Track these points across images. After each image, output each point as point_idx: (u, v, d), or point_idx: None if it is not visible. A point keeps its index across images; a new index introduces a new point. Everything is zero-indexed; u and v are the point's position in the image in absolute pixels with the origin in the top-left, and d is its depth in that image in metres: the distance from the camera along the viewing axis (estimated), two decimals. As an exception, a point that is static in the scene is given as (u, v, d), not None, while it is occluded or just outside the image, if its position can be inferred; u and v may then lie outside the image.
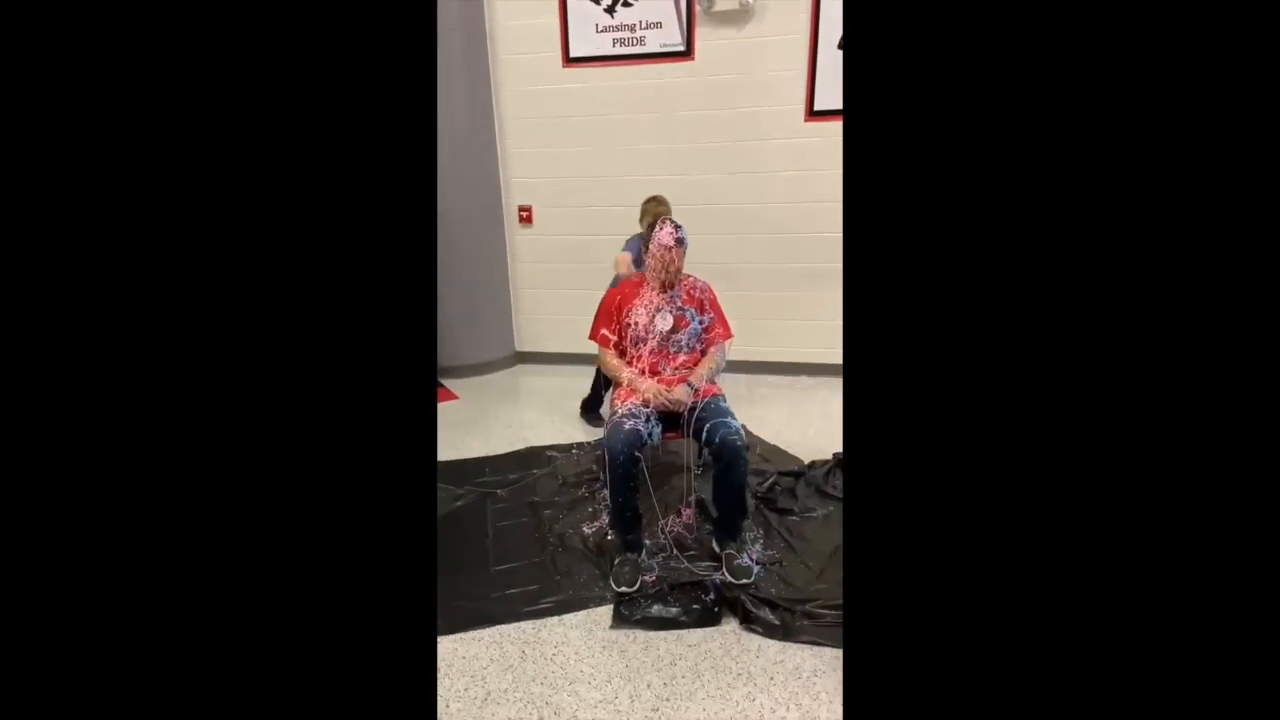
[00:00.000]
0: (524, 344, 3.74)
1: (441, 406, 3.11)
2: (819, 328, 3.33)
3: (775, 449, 2.60)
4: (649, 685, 1.45)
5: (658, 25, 3.15)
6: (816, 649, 1.54)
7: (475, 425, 2.89)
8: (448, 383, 3.40)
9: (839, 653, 1.53)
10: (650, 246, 1.93)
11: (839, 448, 2.51)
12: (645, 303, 1.97)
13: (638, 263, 2.56)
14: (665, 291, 1.97)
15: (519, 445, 2.67)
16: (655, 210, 2.64)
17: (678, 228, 1.90)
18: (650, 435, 1.82)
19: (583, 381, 3.00)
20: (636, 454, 1.74)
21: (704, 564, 1.86)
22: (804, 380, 3.35)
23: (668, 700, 1.40)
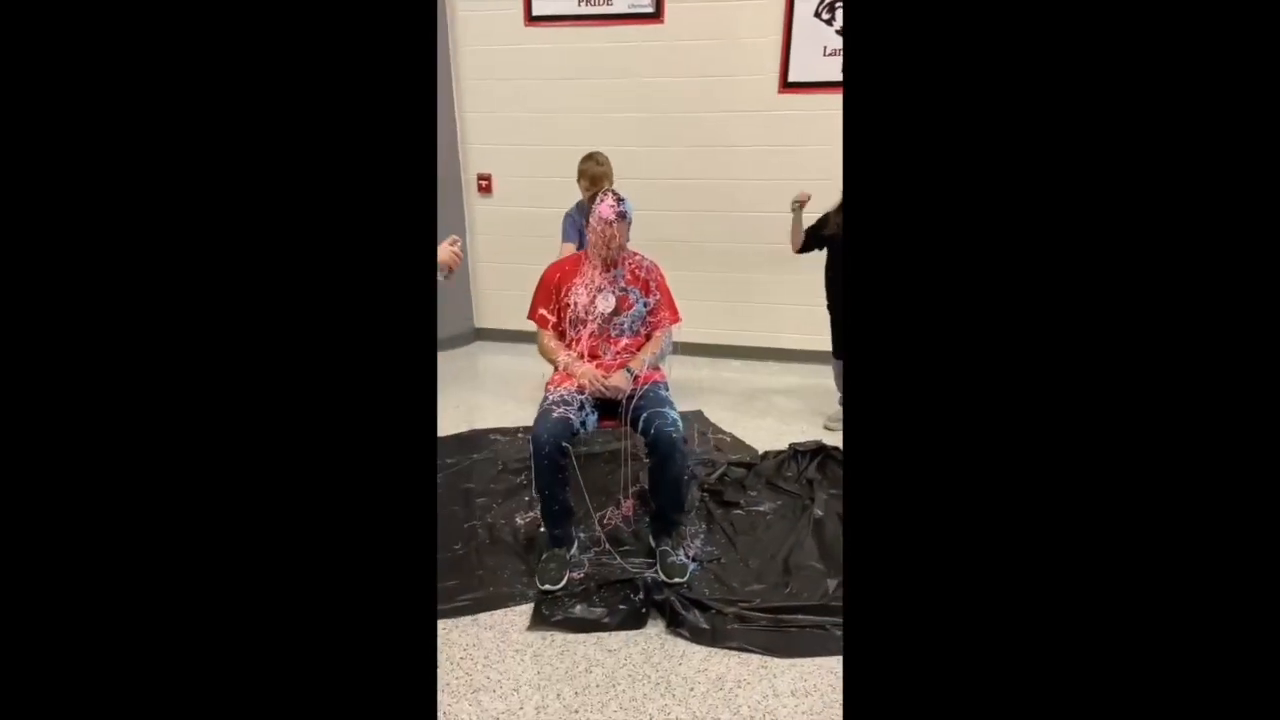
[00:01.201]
0: (483, 320, 3.60)
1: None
2: (787, 312, 3.21)
3: (730, 438, 2.49)
4: (559, 695, 1.35)
5: (626, -16, 2.96)
6: (743, 656, 1.45)
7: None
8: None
9: (765, 660, 1.43)
10: (590, 220, 1.79)
11: (797, 438, 2.41)
12: (586, 282, 1.84)
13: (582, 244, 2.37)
14: (608, 270, 1.84)
15: (464, 427, 2.55)
16: (593, 171, 2.36)
17: (620, 200, 1.76)
18: (583, 424, 1.70)
19: (538, 363, 2.87)
20: (564, 444, 1.63)
21: (639, 560, 1.75)
22: (770, 366, 3.24)
23: (576, 712, 1.31)
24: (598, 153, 2.45)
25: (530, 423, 2.53)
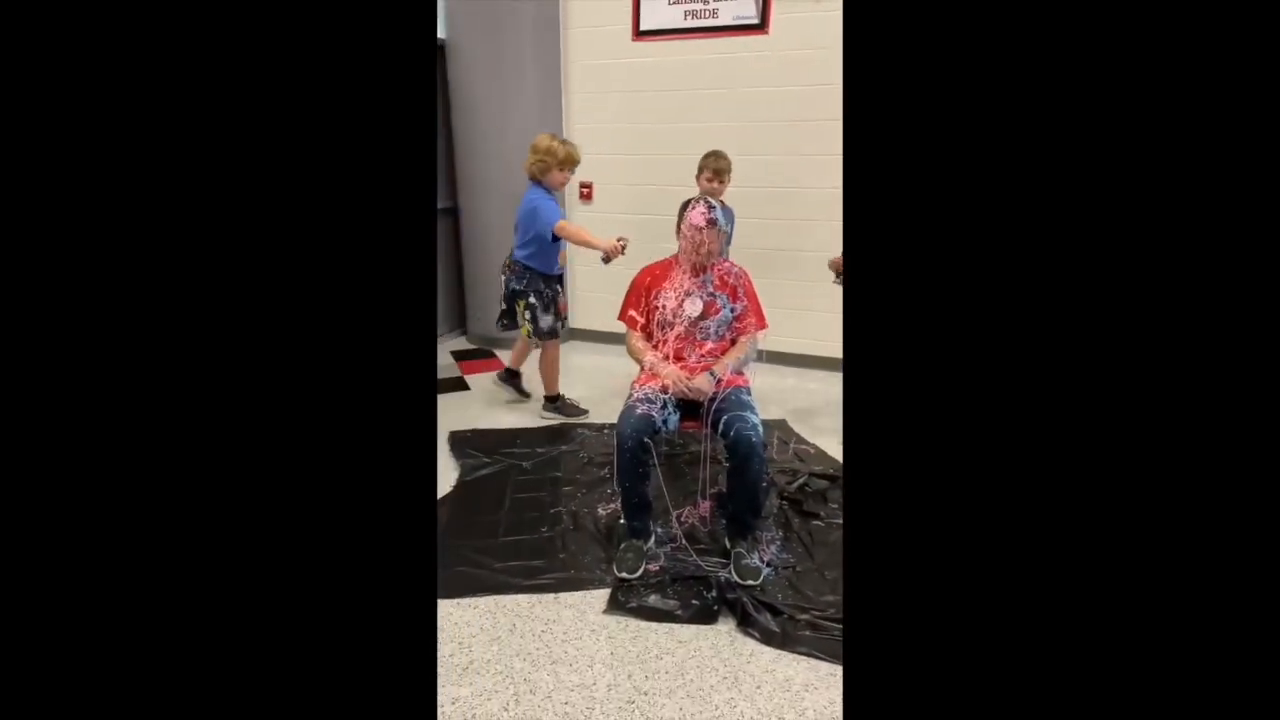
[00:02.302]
0: (576, 320, 3.75)
1: (487, 376, 3.18)
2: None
3: (814, 449, 2.47)
4: (629, 676, 1.42)
5: (731, -3, 3.01)
6: (812, 662, 1.46)
7: (513, 396, 2.93)
8: (498, 353, 3.48)
9: (835, 669, 1.44)
10: (682, 227, 1.85)
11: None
12: (675, 286, 1.91)
13: None
14: (697, 275, 1.90)
15: (554, 420, 2.69)
16: (714, 165, 2.54)
17: (711, 208, 1.82)
18: (665, 423, 1.77)
19: (628, 364, 2.97)
20: (646, 440, 1.70)
21: (713, 559, 1.80)
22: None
23: (645, 694, 1.37)
24: (721, 150, 2.61)
25: (616, 420, 2.66)
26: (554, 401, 2.74)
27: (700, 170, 2.58)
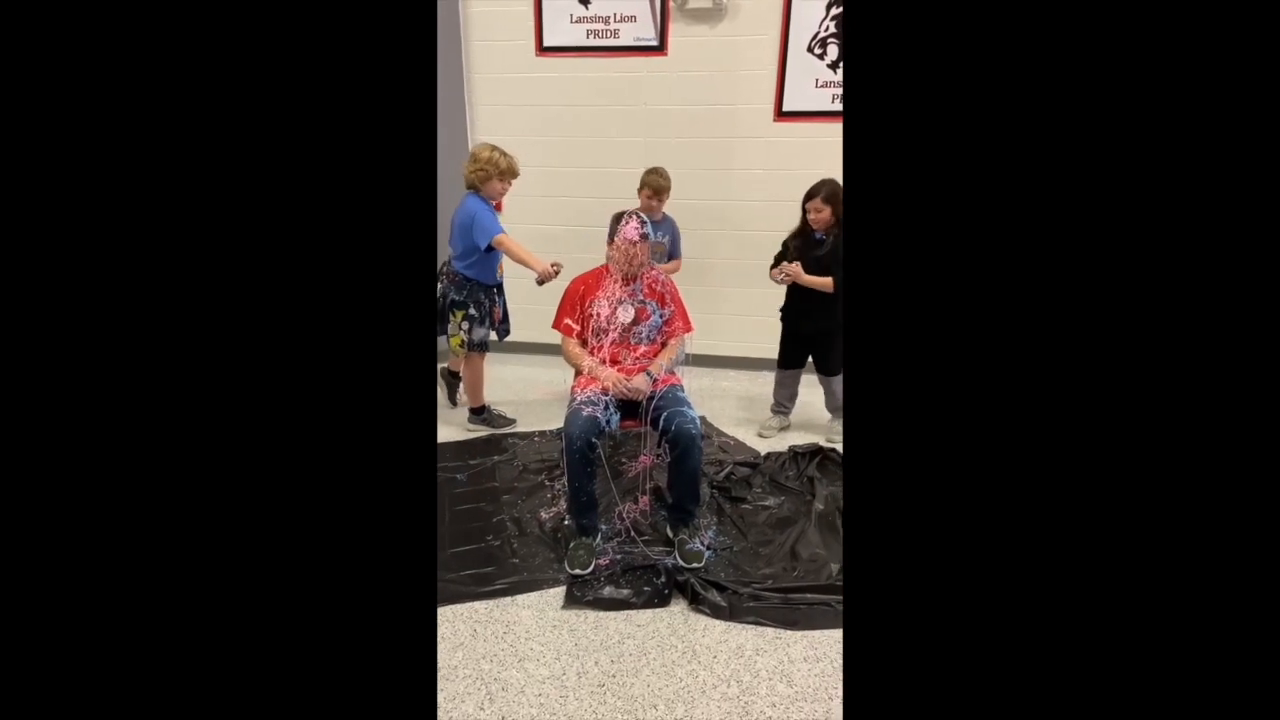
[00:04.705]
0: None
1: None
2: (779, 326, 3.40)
3: (734, 441, 2.66)
4: (596, 662, 1.50)
5: (631, 19, 3.17)
6: (759, 629, 1.61)
7: (439, 411, 2.89)
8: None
9: (779, 632, 1.60)
10: (615, 239, 1.97)
11: (795, 441, 2.59)
12: (608, 294, 2.01)
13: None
14: (628, 284, 2.01)
15: (484, 431, 2.69)
16: (654, 182, 2.69)
17: (643, 222, 1.94)
18: (608, 423, 1.87)
19: (550, 373, 3.02)
20: (594, 440, 1.79)
21: (658, 548, 1.91)
22: (767, 375, 3.42)
23: (614, 677, 1.46)
24: (661, 168, 2.76)
25: (544, 427, 2.71)
26: (480, 413, 2.74)
27: (641, 185, 2.75)
